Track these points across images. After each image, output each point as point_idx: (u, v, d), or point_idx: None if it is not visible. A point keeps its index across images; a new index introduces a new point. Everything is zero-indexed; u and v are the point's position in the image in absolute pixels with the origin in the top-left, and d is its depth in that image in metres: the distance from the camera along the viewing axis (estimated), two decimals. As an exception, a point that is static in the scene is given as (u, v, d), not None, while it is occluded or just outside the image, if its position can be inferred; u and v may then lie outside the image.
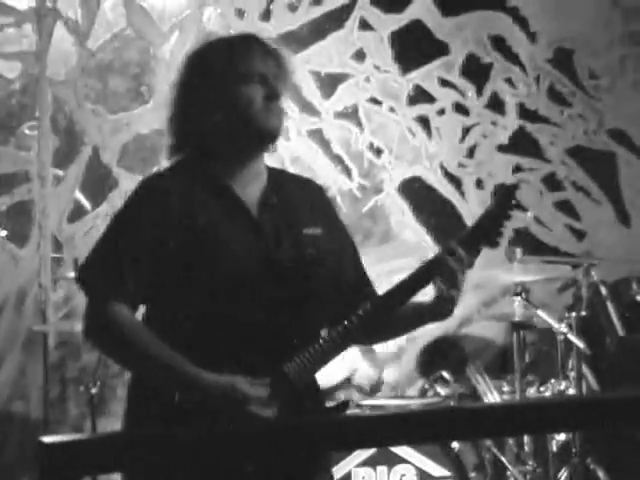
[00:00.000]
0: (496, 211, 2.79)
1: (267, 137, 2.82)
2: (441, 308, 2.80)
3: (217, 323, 2.71)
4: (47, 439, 1.52)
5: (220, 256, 2.72)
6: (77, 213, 5.43)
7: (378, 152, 5.90)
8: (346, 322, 2.72)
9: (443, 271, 2.74)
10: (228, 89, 2.80)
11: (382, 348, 5.52)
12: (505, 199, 2.80)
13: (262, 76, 2.81)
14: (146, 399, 2.75)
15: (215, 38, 3.01)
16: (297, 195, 2.89)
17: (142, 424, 2.73)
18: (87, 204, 5.44)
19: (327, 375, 4.56)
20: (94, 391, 4.77)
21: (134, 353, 2.72)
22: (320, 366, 2.74)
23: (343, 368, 4.92)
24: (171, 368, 2.66)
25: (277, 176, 2.93)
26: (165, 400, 2.67)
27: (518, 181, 2.92)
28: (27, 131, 5.38)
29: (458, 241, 2.77)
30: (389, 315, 2.77)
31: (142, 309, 2.87)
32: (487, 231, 2.79)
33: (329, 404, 2.84)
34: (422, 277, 2.78)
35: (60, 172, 5.43)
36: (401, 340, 5.77)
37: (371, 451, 4.29)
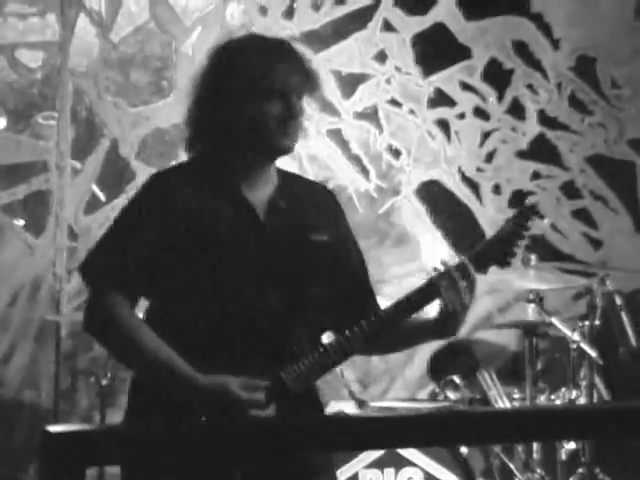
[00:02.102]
0: (511, 231, 2.77)
1: (279, 154, 2.81)
2: (445, 326, 2.76)
3: (218, 324, 2.69)
4: (53, 428, 1.52)
5: (223, 257, 2.70)
6: (93, 205, 5.44)
7: (397, 154, 5.89)
8: (348, 332, 2.69)
9: (450, 288, 2.69)
10: (248, 101, 2.75)
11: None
12: (521, 220, 2.78)
13: (284, 92, 2.76)
14: (147, 395, 2.74)
15: (248, 37, 2.96)
16: (307, 200, 2.86)
17: (142, 419, 2.71)
18: (102, 196, 5.45)
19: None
20: (104, 382, 4.78)
21: (130, 347, 2.70)
22: (319, 374, 2.71)
23: None
24: (166, 366, 2.64)
25: (288, 180, 2.89)
26: (164, 398, 2.66)
27: (537, 203, 2.86)
28: (41, 120, 5.39)
29: (469, 258, 2.73)
30: (392, 329, 2.73)
31: (143, 308, 2.86)
32: (499, 251, 2.76)
33: (325, 414, 2.80)
34: (428, 293, 2.73)
35: (78, 164, 5.44)
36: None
37: (379, 453, 4.28)
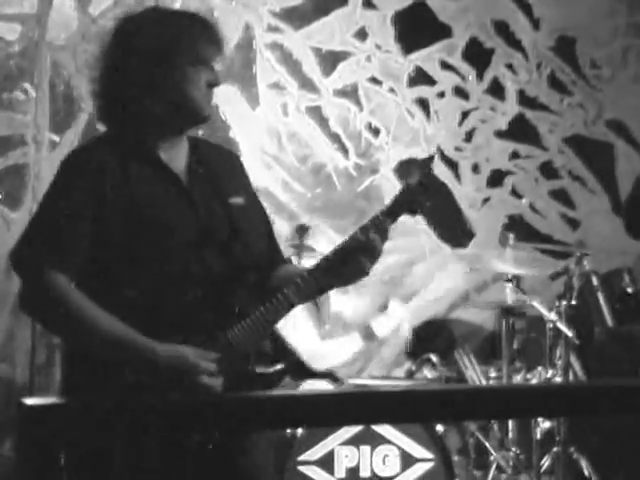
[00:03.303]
0: (416, 182, 2.87)
1: (201, 121, 2.86)
2: (357, 276, 2.83)
3: (159, 292, 2.72)
4: (29, 401, 1.51)
5: (157, 225, 2.73)
6: (71, 179, 5.41)
7: (376, 132, 5.89)
8: (284, 290, 2.77)
9: (367, 245, 2.79)
10: (175, 67, 2.78)
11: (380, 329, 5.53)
12: (424, 169, 2.88)
13: (209, 61, 2.82)
14: (86, 368, 2.73)
15: (162, 8, 3.00)
16: (219, 164, 2.92)
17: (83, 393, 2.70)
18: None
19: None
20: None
21: (83, 325, 2.68)
22: (262, 332, 2.77)
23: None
24: (123, 338, 2.65)
25: (197, 144, 2.93)
26: (112, 373, 2.66)
27: (434, 154, 2.98)
28: (19, 93, 5.35)
29: (384, 214, 2.85)
30: (325, 280, 2.81)
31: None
32: (408, 202, 2.87)
33: (269, 370, 2.83)
34: (351, 248, 2.81)
35: (56, 137, 5.41)
36: (391, 321, 5.77)
37: (355, 430, 4.29)
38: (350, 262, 2.80)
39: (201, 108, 2.81)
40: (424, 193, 2.86)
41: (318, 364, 4.93)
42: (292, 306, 2.81)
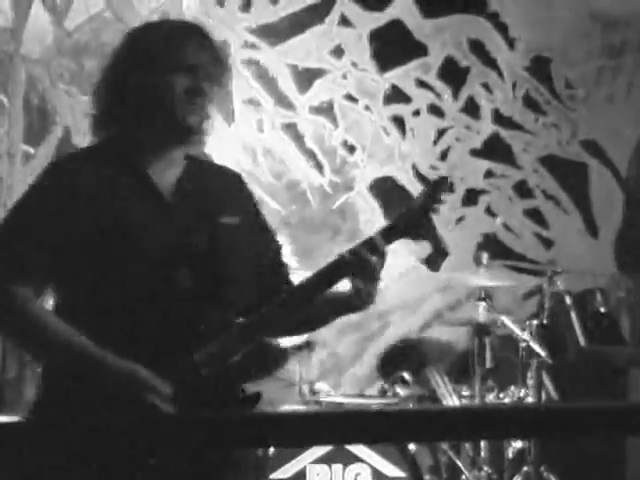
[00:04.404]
0: (422, 204, 2.77)
1: (184, 131, 2.75)
2: (358, 301, 2.76)
3: (128, 310, 2.64)
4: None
5: (129, 240, 2.65)
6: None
7: (351, 149, 5.89)
8: (261, 311, 2.68)
9: (362, 264, 2.70)
10: (152, 76, 2.72)
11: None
12: (433, 193, 2.79)
13: (191, 68, 2.72)
14: (61, 387, 2.68)
15: (157, 20, 2.96)
16: (214, 183, 2.83)
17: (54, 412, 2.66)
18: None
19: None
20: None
21: (39, 336, 2.65)
22: (231, 355, 2.67)
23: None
24: (80, 352, 2.60)
25: (195, 165, 2.85)
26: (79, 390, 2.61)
27: (448, 176, 2.89)
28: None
29: (379, 233, 2.75)
30: (303, 305, 2.72)
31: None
32: (411, 224, 2.77)
33: (242, 395, 2.77)
34: (338, 269, 2.72)
35: (31, 149, 5.38)
36: (361, 340, 5.77)
37: (327, 448, 4.28)
38: (340, 280, 2.70)
39: (177, 115, 2.71)
40: (427, 217, 2.77)
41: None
42: (265, 330, 2.72)
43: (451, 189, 2.85)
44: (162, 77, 2.71)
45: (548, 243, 6.09)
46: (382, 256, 2.72)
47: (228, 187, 2.87)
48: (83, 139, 5.44)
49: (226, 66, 2.81)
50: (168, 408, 2.58)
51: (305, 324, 2.92)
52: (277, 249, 2.94)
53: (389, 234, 2.75)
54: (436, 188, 2.81)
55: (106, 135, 2.80)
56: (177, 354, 2.63)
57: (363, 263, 2.70)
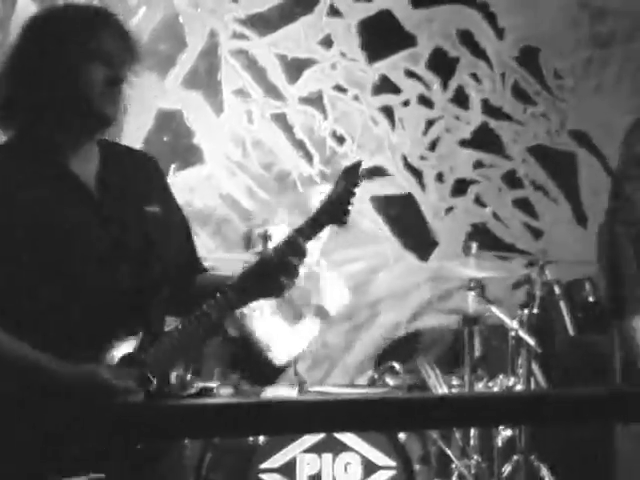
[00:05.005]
0: (341, 192, 2.76)
1: (101, 122, 2.62)
2: (276, 292, 2.73)
3: (69, 311, 2.54)
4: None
5: (62, 241, 2.54)
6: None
7: (341, 140, 5.89)
8: (203, 310, 2.62)
9: (284, 263, 2.68)
10: (69, 63, 2.58)
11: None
12: (349, 178, 2.78)
13: (108, 56, 2.60)
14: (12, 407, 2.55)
15: (66, 4, 2.80)
16: (134, 170, 2.73)
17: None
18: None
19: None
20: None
21: None
22: (179, 355, 2.65)
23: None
24: (28, 363, 2.50)
25: (110, 150, 2.73)
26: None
27: (361, 160, 2.88)
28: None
29: (299, 231, 2.72)
30: (242, 304, 2.71)
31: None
32: (334, 214, 2.75)
33: (187, 392, 2.74)
34: (264, 268, 2.70)
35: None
36: (352, 329, 5.78)
37: (317, 438, 4.28)
38: (269, 280, 2.68)
39: (95, 106, 2.57)
40: (348, 203, 2.75)
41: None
42: (212, 322, 2.64)
43: (364, 173, 2.82)
44: (79, 66, 2.58)
45: (537, 233, 6.10)
46: (303, 254, 2.70)
47: (146, 173, 2.77)
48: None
49: (139, 53, 2.70)
50: (138, 398, 2.52)
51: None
52: (192, 239, 2.89)
53: (314, 226, 2.73)
54: (351, 173, 2.79)
55: (17, 130, 2.65)
56: (124, 353, 2.56)
57: (285, 262, 2.68)
